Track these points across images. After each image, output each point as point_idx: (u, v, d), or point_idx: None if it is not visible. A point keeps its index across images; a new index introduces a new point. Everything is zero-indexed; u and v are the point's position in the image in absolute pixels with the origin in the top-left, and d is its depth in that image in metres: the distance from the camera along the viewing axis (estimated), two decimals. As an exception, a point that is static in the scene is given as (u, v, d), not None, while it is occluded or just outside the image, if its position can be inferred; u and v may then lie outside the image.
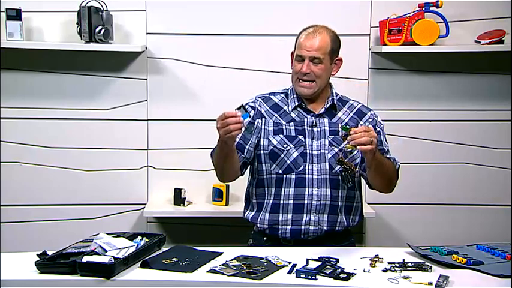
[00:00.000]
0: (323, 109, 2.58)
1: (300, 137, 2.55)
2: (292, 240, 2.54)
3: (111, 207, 3.62)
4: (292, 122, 2.57)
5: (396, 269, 2.14)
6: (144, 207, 3.55)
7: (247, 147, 2.54)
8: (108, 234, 2.28)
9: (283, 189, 2.54)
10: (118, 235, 2.30)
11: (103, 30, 3.31)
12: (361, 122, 2.61)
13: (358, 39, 3.52)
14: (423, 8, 3.42)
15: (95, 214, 3.61)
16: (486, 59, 3.57)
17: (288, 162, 2.53)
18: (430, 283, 2.01)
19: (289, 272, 2.11)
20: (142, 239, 2.31)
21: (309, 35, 2.53)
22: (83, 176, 3.59)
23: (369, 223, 3.68)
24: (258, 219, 2.58)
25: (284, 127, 2.56)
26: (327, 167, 2.53)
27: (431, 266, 2.17)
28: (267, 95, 2.64)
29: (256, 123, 2.56)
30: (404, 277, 2.07)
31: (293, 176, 2.53)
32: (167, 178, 3.59)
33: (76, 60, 3.50)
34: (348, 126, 2.40)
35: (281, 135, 2.55)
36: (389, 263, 2.19)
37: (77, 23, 3.34)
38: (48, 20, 3.43)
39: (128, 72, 3.53)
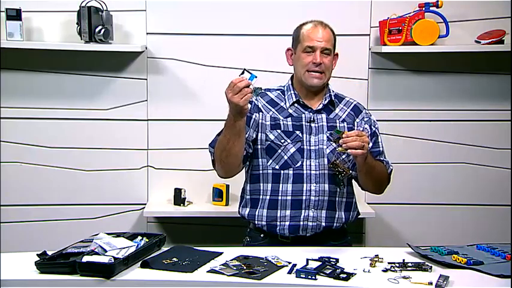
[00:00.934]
0: (321, 105, 2.58)
1: (297, 132, 2.54)
2: (290, 237, 2.54)
3: (111, 207, 3.62)
4: (290, 118, 2.56)
5: (396, 269, 2.14)
6: (144, 207, 3.55)
7: (247, 137, 2.50)
8: (108, 234, 2.28)
9: (280, 185, 2.53)
10: (118, 235, 2.30)
11: (103, 30, 3.31)
12: (358, 120, 2.62)
13: (358, 39, 3.52)
14: (423, 8, 3.42)
15: (95, 214, 3.61)
16: (486, 59, 3.57)
17: (285, 157, 2.53)
18: (430, 283, 2.01)
19: (289, 272, 2.11)
20: (142, 239, 2.31)
21: (317, 27, 2.54)
22: (83, 176, 3.59)
23: (369, 223, 3.68)
24: (256, 216, 2.57)
25: (282, 122, 2.55)
26: (325, 162, 2.52)
27: (431, 266, 2.17)
28: (263, 91, 2.62)
29: (253, 117, 2.55)
30: (404, 277, 2.07)
31: (291, 172, 2.52)
32: (167, 178, 3.59)
33: (76, 60, 3.50)
34: (340, 130, 2.41)
35: (278, 130, 2.54)
36: (389, 263, 2.19)
37: (77, 23, 3.34)
38: (48, 20, 3.43)
39: (128, 72, 3.53)
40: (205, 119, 3.46)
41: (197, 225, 3.64)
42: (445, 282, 2.02)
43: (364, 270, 2.14)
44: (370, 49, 3.55)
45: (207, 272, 2.10)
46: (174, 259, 2.20)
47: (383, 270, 2.14)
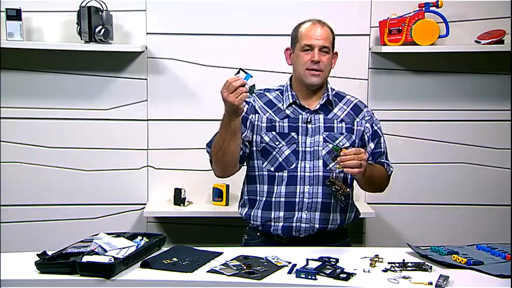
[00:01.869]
0: (318, 105, 2.57)
1: (292, 134, 2.54)
2: (285, 237, 2.55)
3: (111, 207, 3.62)
4: (286, 119, 2.55)
5: (396, 269, 2.14)
6: (144, 207, 3.55)
7: (243, 137, 2.51)
8: (108, 234, 2.28)
9: (275, 186, 2.53)
10: (118, 235, 2.30)
11: (103, 30, 3.31)
12: (357, 119, 2.60)
13: (358, 39, 3.52)
14: (423, 8, 3.42)
15: (95, 214, 3.61)
16: (486, 59, 3.57)
17: (280, 159, 2.53)
18: (430, 283, 2.01)
19: (289, 272, 2.11)
20: (142, 239, 2.31)
21: (315, 25, 2.54)
22: (83, 176, 3.59)
23: (369, 223, 3.68)
24: (251, 216, 2.58)
25: (277, 124, 2.54)
26: (321, 164, 2.52)
27: (431, 266, 2.17)
28: (262, 91, 2.61)
29: (250, 118, 2.54)
30: (404, 277, 2.07)
31: (285, 174, 2.52)
32: (167, 178, 3.59)
33: (76, 60, 3.50)
34: (338, 147, 2.40)
35: (273, 132, 2.54)
36: (389, 263, 2.19)
37: (77, 23, 3.34)
38: (48, 20, 3.43)
39: (128, 72, 3.53)
40: (205, 119, 3.46)
41: (197, 225, 3.64)
42: (445, 282, 2.02)
43: (364, 270, 2.13)
44: (370, 49, 3.55)
45: (207, 272, 2.10)
46: (174, 259, 2.19)
47: (383, 270, 2.13)
